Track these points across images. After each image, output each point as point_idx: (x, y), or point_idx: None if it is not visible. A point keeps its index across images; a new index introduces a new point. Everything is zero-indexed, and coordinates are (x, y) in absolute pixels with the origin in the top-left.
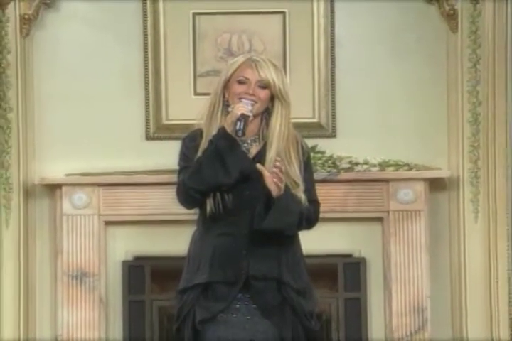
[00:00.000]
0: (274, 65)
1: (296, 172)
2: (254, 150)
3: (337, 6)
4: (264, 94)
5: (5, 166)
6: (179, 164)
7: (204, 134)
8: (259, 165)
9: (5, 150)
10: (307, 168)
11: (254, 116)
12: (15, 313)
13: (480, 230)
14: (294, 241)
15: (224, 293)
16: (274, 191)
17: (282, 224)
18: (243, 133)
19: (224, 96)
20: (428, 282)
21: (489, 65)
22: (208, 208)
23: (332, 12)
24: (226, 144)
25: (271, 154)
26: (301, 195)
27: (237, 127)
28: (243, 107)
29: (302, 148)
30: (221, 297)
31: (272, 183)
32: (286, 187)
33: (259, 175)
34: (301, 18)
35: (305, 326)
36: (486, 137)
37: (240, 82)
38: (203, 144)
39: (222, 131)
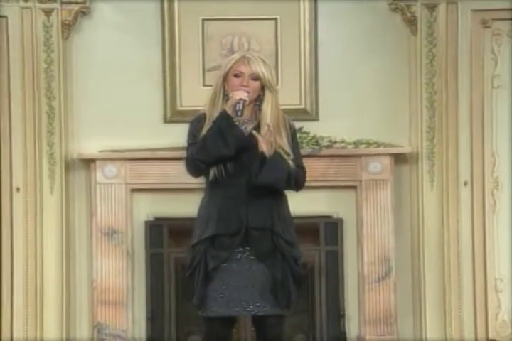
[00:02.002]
0: (264, 61)
1: (285, 143)
2: (249, 128)
3: (319, 13)
4: (255, 84)
5: (50, 144)
6: (187, 141)
7: (207, 117)
8: (254, 132)
9: (49, 131)
10: (293, 139)
11: (249, 102)
12: (58, 263)
13: (435, 195)
14: (283, 202)
15: (228, 243)
16: (267, 151)
17: (273, 179)
18: (242, 114)
19: (223, 87)
20: (393, 237)
21: (442, 61)
22: (212, 174)
23: (315, 19)
24: (226, 123)
25: (265, 129)
26: (290, 161)
27: (237, 108)
28: (241, 94)
29: (289, 125)
30: (226, 246)
31: (265, 144)
32: (277, 152)
33: (255, 145)
34: (290, 24)
35: (293, 270)
36: (440, 120)
37: (236, 76)
38: (207, 125)
39: (223, 113)
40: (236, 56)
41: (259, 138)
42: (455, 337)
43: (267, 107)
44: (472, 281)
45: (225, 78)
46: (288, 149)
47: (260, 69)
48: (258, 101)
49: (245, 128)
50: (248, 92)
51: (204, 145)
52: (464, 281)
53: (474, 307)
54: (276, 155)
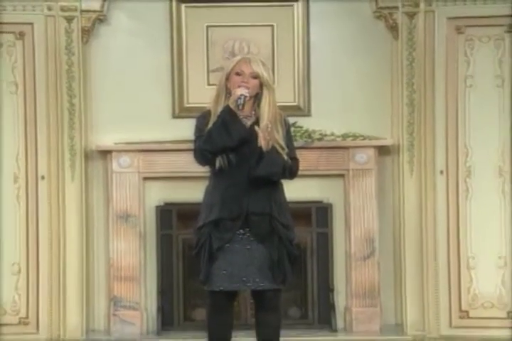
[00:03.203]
0: (262, 62)
1: (281, 137)
2: (249, 122)
3: (311, 21)
4: (255, 82)
5: (71, 137)
6: (195, 134)
7: (212, 113)
8: (256, 127)
9: (71, 125)
10: (288, 134)
11: (249, 98)
12: (78, 243)
13: (414, 183)
14: (280, 189)
15: (230, 225)
16: (264, 146)
17: (269, 172)
18: (243, 107)
19: (226, 86)
20: (376, 220)
21: (421, 64)
22: (217, 164)
23: (307, 25)
24: (229, 116)
25: (263, 123)
26: (285, 156)
27: (238, 103)
28: (242, 90)
29: (284, 120)
30: (228, 229)
31: (263, 140)
32: (274, 147)
33: (255, 138)
34: (284, 30)
35: (288, 250)
36: (419, 116)
37: (238, 74)
38: (212, 119)
39: (227, 108)
40: (238, 57)
41: (259, 134)
42: (432, 308)
43: (264, 104)
44: (447, 259)
45: (227, 77)
46: (283, 143)
47: (259, 69)
48: (257, 98)
49: (246, 123)
50: (248, 89)
51: (210, 137)
52: (440, 259)
53: (449, 282)
54: (273, 151)
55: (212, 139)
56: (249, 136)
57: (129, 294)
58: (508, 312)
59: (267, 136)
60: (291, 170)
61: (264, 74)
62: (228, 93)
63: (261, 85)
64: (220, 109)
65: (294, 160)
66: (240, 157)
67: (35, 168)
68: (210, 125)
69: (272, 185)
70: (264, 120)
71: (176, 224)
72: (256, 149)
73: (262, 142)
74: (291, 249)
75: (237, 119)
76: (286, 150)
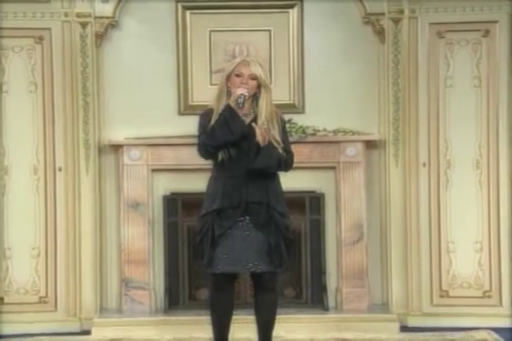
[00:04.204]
0: (260, 64)
1: (277, 132)
2: (248, 120)
3: (305, 26)
4: (253, 83)
5: (85, 132)
6: (198, 131)
7: (214, 111)
8: (253, 124)
9: (85, 121)
10: (283, 130)
11: (249, 97)
12: (92, 230)
13: (399, 174)
14: (276, 180)
15: (231, 214)
16: (262, 142)
17: (266, 165)
18: (243, 106)
19: (227, 86)
20: (364, 209)
21: (405, 65)
22: (219, 157)
23: (302, 30)
24: (230, 114)
25: (261, 120)
26: (280, 150)
27: (239, 101)
28: (242, 90)
29: (280, 118)
30: (229, 217)
31: (260, 136)
32: (270, 143)
33: (253, 134)
34: (281, 34)
35: (284, 235)
36: (403, 113)
37: (237, 75)
38: (214, 117)
39: (227, 106)
40: (238, 60)
41: (257, 131)
42: (415, 288)
43: (262, 103)
44: (429, 244)
45: (228, 78)
46: (279, 138)
47: (257, 70)
48: (255, 97)
49: (245, 120)
50: (247, 89)
51: (213, 133)
52: (422, 244)
53: (430, 264)
54: (269, 146)
55: (215, 135)
56: (249, 132)
57: (138, 276)
58: (484, 292)
59: (264, 132)
60: (286, 163)
61: (262, 75)
62: (229, 92)
63: (259, 85)
64: (221, 107)
65: (289, 153)
66: (240, 151)
67: (53, 160)
68: (212, 122)
69: (269, 177)
70: (262, 117)
71: (181, 212)
72: (254, 144)
73: (259, 138)
74: (287, 235)
75: (237, 117)
76: (282, 144)
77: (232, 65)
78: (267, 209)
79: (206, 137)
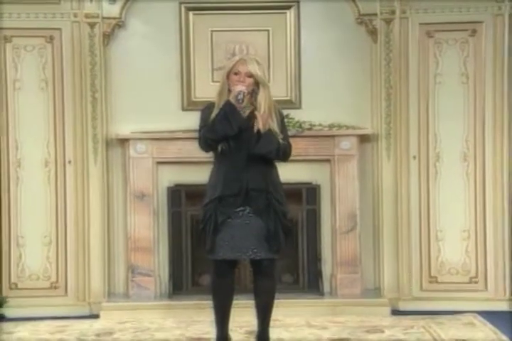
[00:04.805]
0: (258, 61)
1: (276, 125)
2: (247, 113)
3: (302, 26)
4: (249, 80)
5: (93, 127)
6: (199, 124)
7: (215, 105)
8: (256, 113)
9: (93, 117)
10: (282, 123)
11: (248, 93)
12: (101, 219)
13: (391, 166)
14: (274, 171)
15: (232, 202)
16: (262, 128)
17: (266, 149)
18: (243, 101)
19: (227, 83)
20: (358, 199)
21: (397, 63)
22: (219, 149)
23: (299, 30)
24: (230, 109)
25: (260, 114)
26: (279, 140)
27: (239, 98)
28: (240, 87)
29: (279, 112)
30: (230, 204)
31: (261, 123)
32: (270, 130)
33: (251, 127)
34: (279, 34)
35: (282, 223)
36: (395, 108)
37: (235, 74)
38: (215, 111)
39: (227, 102)
40: (236, 58)
41: (258, 119)
42: (405, 274)
43: (261, 98)
44: (419, 232)
45: (227, 75)
46: (277, 130)
47: (254, 68)
48: (254, 93)
49: (243, 114)
50: (245, 86)
51: (213, 127)
52: (412, 232)
53: (420, 252)
54: (269, 133)
55: (215, 129)
56: (247, 126)
57: (144, 263)
58: (471, 278)
59: (264, 119)
60: (284, 152)
61: (258, 73)
62: (228, 88)
63: (257, 82)
64: (222, 102)
65: (288, 145)
66: (239, 143)
67: (63, 153)
68: (213, 115)
69: (268, 167)
70: (261, 111)
71: (185, 202)
72: (252, 135)
73: (259, 124)
74: (284, 222)
75: (236, 112)
76: (281, 135)
77: (231, 63)
78: (266, 196)
79: (207, 130)
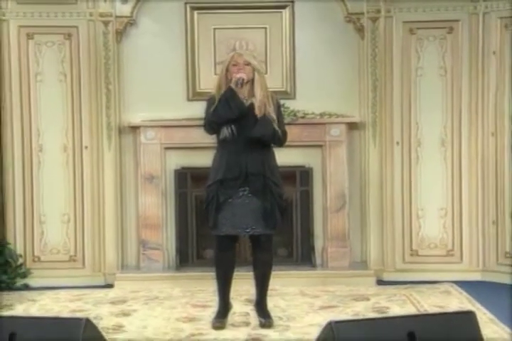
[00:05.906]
0: (252, 55)
1: (272, 112)
2: (248, 102)
3: (296, 24)
4: (248, 68)
5: (108, 116)
6: (205, 112)
7: (216, 97)
8: (252, 99)
9: (107, 106)
10: (279, 111)
11: (247, 80)
12: (114, 199)
13: (376, 152)
14: (271, 156)
15: (233, 184)
16: (259, 113)
17: (263, 133)
18: (242, 86)
19: (226, 76)
20: (347, 180)
21: (382, 58)
22: (222, 135)
23: (293, 28)
24: (231, 95)
25: (257, 100)
26: (275, 126)
27: (238, 82)
28: (241, 74)
29: (276, 101)
30: (231, 186)
31: (258, 109)
32: (266, 116)
33: (252, 114)
34: (275, 31)
35: (278, 203)
36: (380, 98)
37: (234, 65)
38: (217, 101)
39: (229, 88)
40: (233, 53)
41: (255, 104)
42: (389, 248)
43: (257, 86)
44: (401, 210)
45: (227, 68)
46: (273, 115)
47: (250, 58)
48: (251, 83)
49: (245, 102)
50: (245, 74)
51: (216, 111)
52: (396, 210)
53: (403, 228)
54: (265, 118)
55: (218, 112)
56: (247, 111)
57: (153, 238)
58: (448, 251)
59: (261, 104)
60: (280, 137)
61: (254, 61)
62: (228, 81)
63: (254, 71)
64: (222, 93)
65: (283, 131)
66: (240, 129)
67: (80, 140)
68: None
69: (266, 152)
70: (258, 97)
71: (190, 184)
72: (252, 122)
73: (256, 110)
74: (280, 202)
75: (236, 96)
76: (276, 122)
77: (229, 57)
78: (263, 179)
79: (211, 115)
